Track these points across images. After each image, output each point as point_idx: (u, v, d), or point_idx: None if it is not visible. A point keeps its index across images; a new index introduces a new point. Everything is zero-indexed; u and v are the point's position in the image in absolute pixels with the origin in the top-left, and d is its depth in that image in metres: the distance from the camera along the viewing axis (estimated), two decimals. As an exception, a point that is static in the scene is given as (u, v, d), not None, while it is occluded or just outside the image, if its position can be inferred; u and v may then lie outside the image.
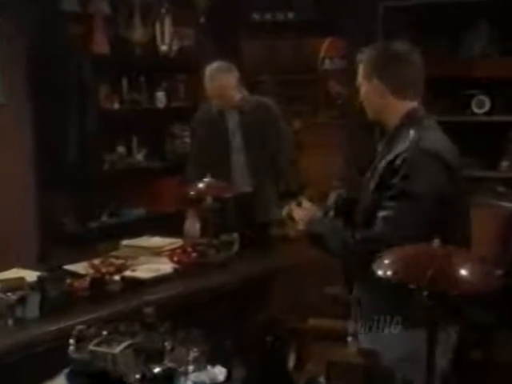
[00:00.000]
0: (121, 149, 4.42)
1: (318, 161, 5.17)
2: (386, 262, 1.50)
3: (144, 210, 4.51)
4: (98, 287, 2.56)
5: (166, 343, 1.71)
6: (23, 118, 3.88)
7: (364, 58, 2.06)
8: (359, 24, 4.35)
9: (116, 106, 4.29)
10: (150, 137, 4.64)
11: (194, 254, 2.93)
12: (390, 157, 1.92)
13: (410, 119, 1.98)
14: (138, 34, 4.34)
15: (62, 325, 2.21)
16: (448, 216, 1.86)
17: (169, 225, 4.25)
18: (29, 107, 3.89)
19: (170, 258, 2.92)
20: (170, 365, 1.65)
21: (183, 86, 4.79)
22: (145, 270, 2.81)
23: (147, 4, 4.40)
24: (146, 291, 2.61)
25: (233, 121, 3.49)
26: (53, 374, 1.74)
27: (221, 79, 3.36)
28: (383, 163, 1.94)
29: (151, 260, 2.94)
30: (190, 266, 2.89)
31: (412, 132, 1.93)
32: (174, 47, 4.46)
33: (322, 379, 1.55)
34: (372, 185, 1.96)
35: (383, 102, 2.01)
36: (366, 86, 2.04)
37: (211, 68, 3.41)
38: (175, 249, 3.00)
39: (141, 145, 4.57)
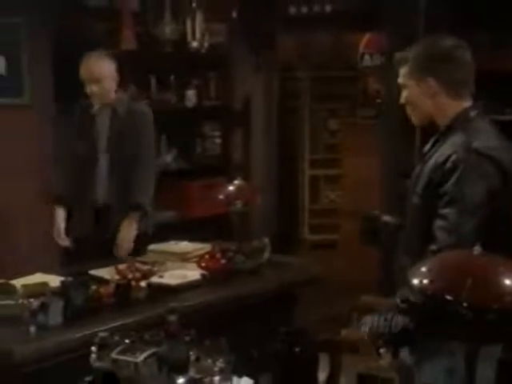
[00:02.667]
0: (149, 150, 4.47)
1: (356, 163, 5.16)
2: (422, 269, 1.49)
3: (173, 213, 4.55)
4: (124, 294, 2.60)
5: (191, 353, 1.73)
6: (47, 119, 3.94)
7: (412, 56, 2.04)
8: (400, 17, 4.32)
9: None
10: (180, 137, 4.69)
11: (223, 261, 2.95)
12: (440, 158, 1.94)
13: (461, 120, 1.99)
14: (167, 30, 4.39)
15: (85, 332, 2.25)
16: (497, 219, 1.87)
17: (198, 229, 4.31)
18: (53, 108, 3.96)
19: (198, 264, 2.95)
20: (194, 375, 1.67)
21: (214, 84, 4.83)
22: (172, 276, 2.84)
23: (177, -1, 4.46)
24: (172, 298, 2.64)
25: (104, 120, 3.37)
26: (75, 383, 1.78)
27: (95, 63, 3.28)
28: (431, 163, 1.96)
29: (178, 266, 2.98)
30: (219, 272, 2.91)
31: (462, 133, 1.94)
32: (205, 43, 4.49)
33: (352, 394, 1.55)
34: (421, 184, 1.98)
35: (434, 102, 2.00)
36: (415, 86, 2.02)
37: (88, 54, 3.33)
38: (203, 254, 3.03)
39: (170, 146, 4.62)
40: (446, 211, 1.89)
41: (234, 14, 4.63)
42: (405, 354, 1.93)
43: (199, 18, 4.48)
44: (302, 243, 5.94)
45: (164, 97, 4.50)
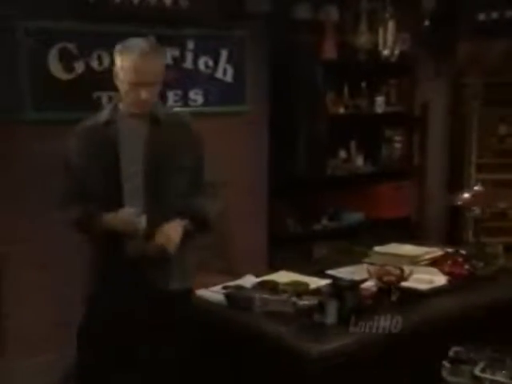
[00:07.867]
0: (342, 154, 4.31)
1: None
2: None
3: (362, 214, 4.36)
4: (383, 296, 2.43)
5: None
6: (261, 124, 3.87)
7: None
8: None
9: (341, 111, 4.19)
10: (367, 142, 4.49)
11: (466, 266, 2.72)
12: None
13: None
14: (363, 39, 4.20)
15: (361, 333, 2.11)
16: None
17: (387, 230, 4.09)
18: (266, 114, 3.88)
19: (441, 269, 2.74)
20: None
21: (396, 91, 4.59)
22: (418, 280, 2.63)
23: (372, 9, 4.25)
24: (424, 303, 2.44)
25: (140, 131, 2.23)
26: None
27: (155, 64, 2.16)
28: None
29: (421, 270, 2.77)
30: (462, 278, 2.68)
31: None
32: (396, 52, 4.26)
33: None
34: None
35: None
36: None
37: (141, 46, 2.14)
38: (444, 259, 2.81)
39: (359, 150, 4.43)
40: None
41: (427, 23, 4.36)
42: None
43: (391, 27, 4.26)
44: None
45: (356, 103, 4.31)
